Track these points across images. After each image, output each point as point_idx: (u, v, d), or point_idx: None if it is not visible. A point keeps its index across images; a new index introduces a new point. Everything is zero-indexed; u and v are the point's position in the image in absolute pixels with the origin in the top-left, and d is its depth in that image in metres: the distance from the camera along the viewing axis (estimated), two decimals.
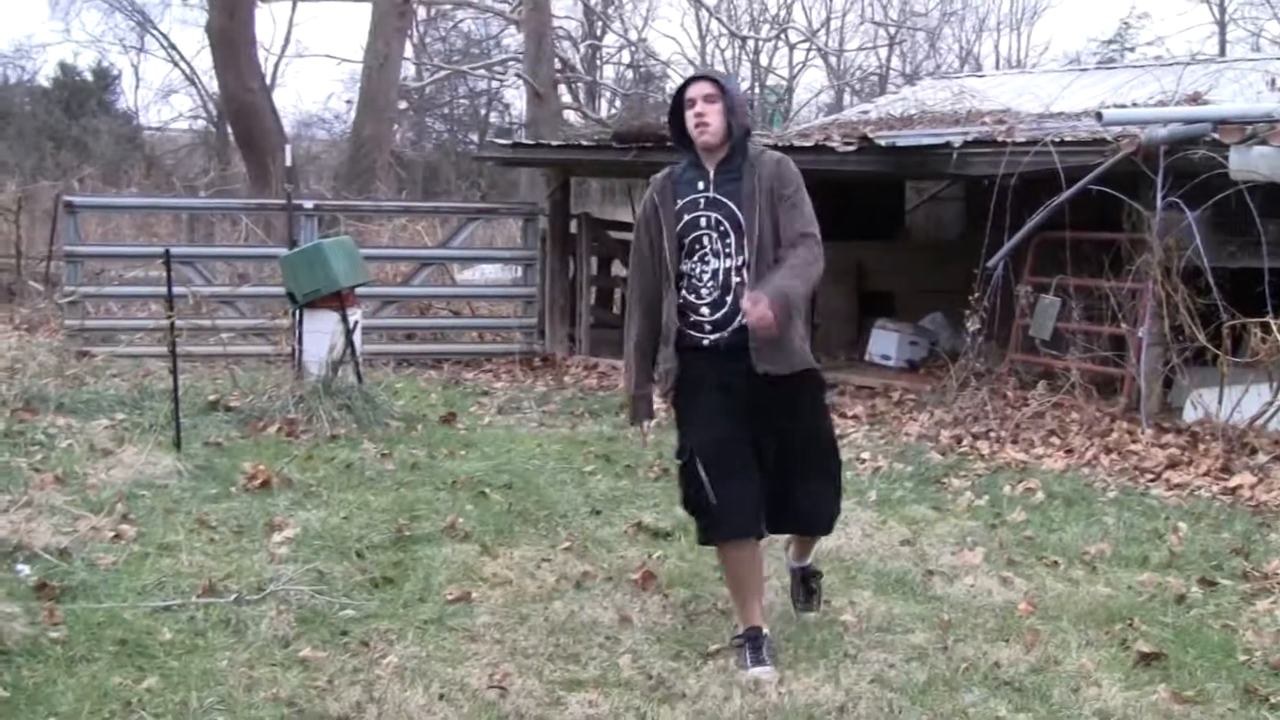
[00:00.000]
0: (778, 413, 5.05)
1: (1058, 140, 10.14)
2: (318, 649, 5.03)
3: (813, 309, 5.37)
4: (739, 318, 4.91)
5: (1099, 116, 10.01)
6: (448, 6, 34.42)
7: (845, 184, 12.73)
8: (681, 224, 5.05)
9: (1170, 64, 15.55)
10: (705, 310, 5.04)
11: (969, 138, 11.05)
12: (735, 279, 4.97)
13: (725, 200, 5.02)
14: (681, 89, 5.14)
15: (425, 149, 39.22)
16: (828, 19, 43.60)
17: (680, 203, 5.08)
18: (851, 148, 11.44)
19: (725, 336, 5.01)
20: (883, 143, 11.69)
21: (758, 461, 5.02)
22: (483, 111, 41.98)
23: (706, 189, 5.05)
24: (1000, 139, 10.58)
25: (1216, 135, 9.43)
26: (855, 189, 13.71)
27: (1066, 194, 9.90)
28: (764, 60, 43.43)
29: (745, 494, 4.97)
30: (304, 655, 4.96)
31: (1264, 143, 9.17)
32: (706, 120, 5.00)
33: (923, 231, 16.93)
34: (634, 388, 5.30)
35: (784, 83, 42.90)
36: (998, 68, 38.71)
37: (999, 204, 9.87)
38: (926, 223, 16.94)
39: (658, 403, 5.34)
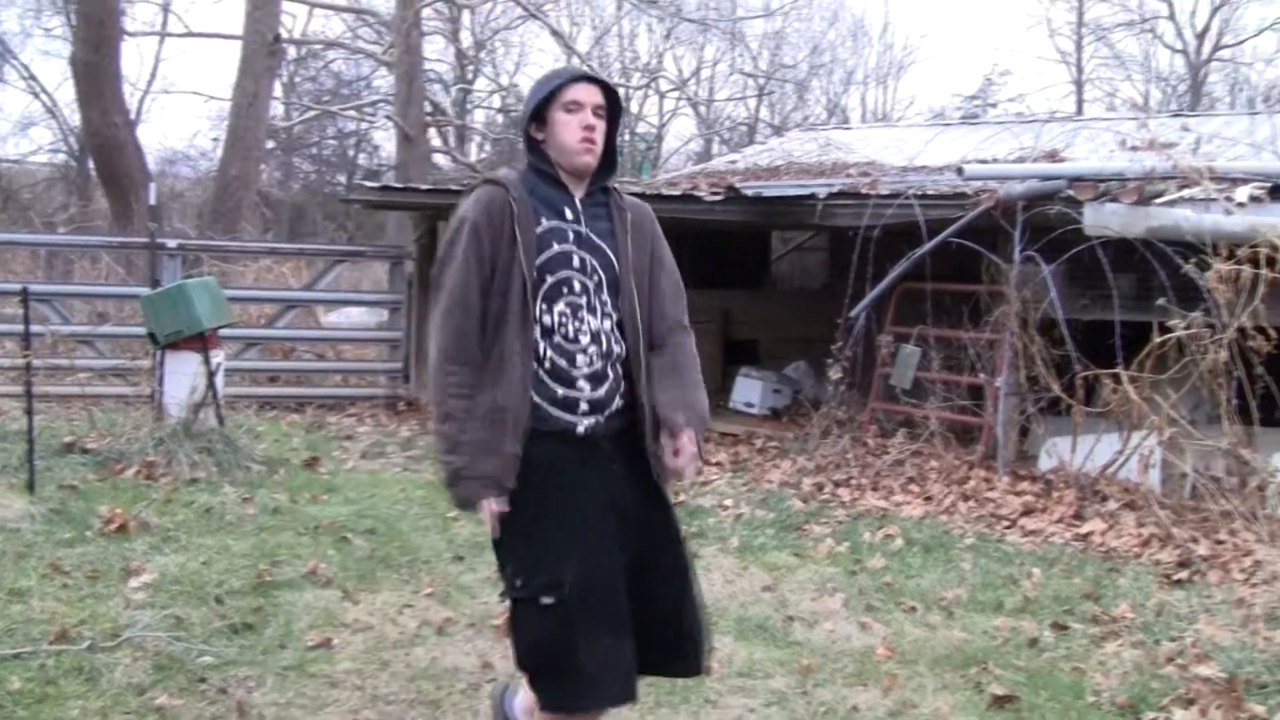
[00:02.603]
0: (656, 526, 3.91)
1: (920, 193, 10.38)
2: (174, 696, 4.94)
3: None
4: (617, 398, 3.80)
5: (960, 171, 10.29)
6: (318, 46, 34.21)
7: (712, 233, 12.89)
8: (548, 255, 3.76)
9: (1030, 121, 16.01)
10: (584, 384, 3.76)
11: (834, 189, 11.26)
12: (615, 347, 3.80)
13: (599, 242, 3.84)
14: (563, 85, 3.87)
15: (292, 189, 38.85)
16: (698, 69, 44.06)
17: (545, 225, 3.78)
18: (719, 197, 11.59)
19: (602, 423, 3.79)
20: (749, 193, 11.87)
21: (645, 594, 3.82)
22: (351, 152, 41.72)
23: (576, 220, 3.84)
24: (864, 191, 10.81)
25: (1071, 192, 9.72)
26: (722, 238, 13.90)
27: (927, 246, 10.13)
28: (634, 108, 43.76)
29: (625, 649, 3.70)
30: (160, 703, 4.86)
31: (1116, 200, 9.47)
32: (594, 139, 3.83)
33: (788, 281, 17.19)
34: (503, 445, 3.67)
35: (653, 130, 43.25)
36: (864, 121, 39.41)
37: (862, 255, 10.08)
38: (792, 272, 17.21)
39: None
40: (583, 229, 3.83)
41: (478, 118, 40.44)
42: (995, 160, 12.56)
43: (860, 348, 10.42)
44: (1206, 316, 8.30)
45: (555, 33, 28.29)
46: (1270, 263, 7.47)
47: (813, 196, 11.17)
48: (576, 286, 3.77)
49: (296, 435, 11.74)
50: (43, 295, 12.95)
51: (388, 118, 29.10)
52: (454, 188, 14.98)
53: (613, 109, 3.93)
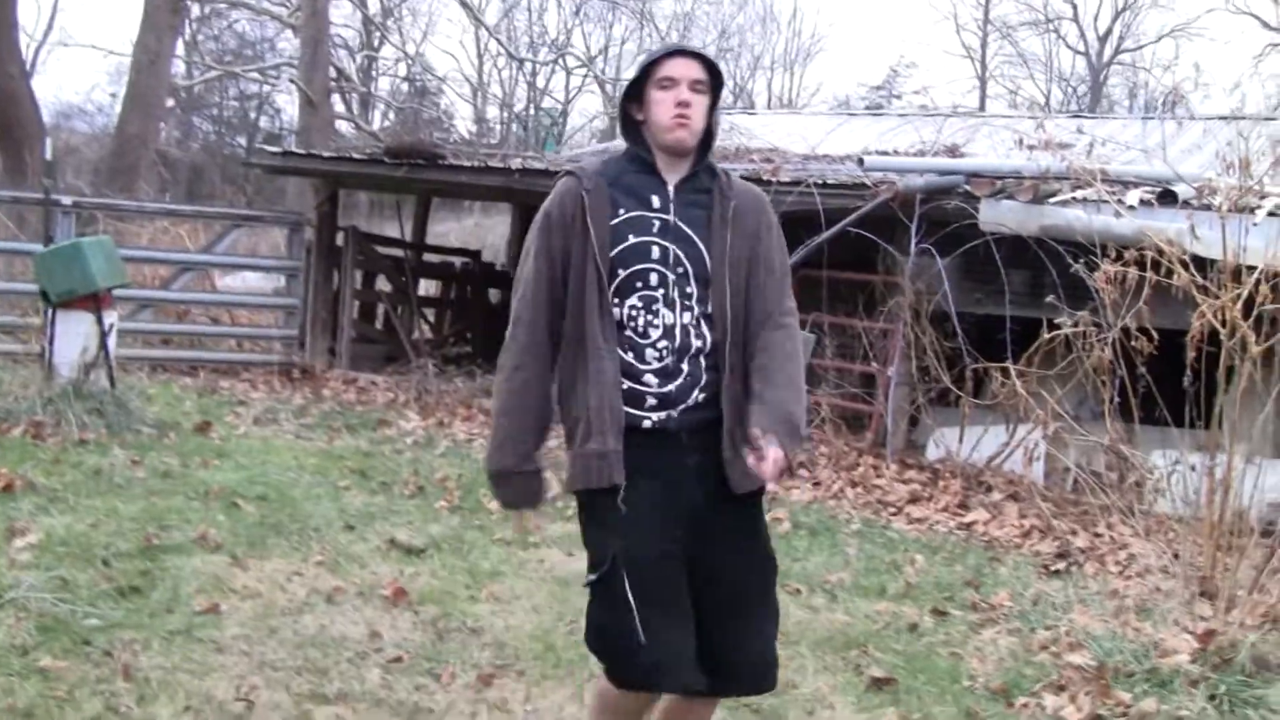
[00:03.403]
0: (733, 533, 3.67)
1: (820, 182, 10.51)
2: (58, 658, 4.90)
3: None
4: (695, 391, 3.57)
5: (860, 162, 10.44)
6: (223, 5, 33.75)
7: None
8: (623, 248, 3.56)
9: (932, 115, 16.23)
10: (651, 379, 3.56)
11: (735, 174, 11.35)
12: (695, 341, 3.57)
13: (689, 232, 3.59)
14: (657, 60, 3.66)
15: (191, 149, 38.31)
16: (606, 46, 44.10)
17: (623, 216, 3.59)
18: None
19: (674, 417, 3.58)
20: None
21: (714, 606, 3.64)
22: (253, 115, 41.24)
23: (664, 208, 3.60)
24: (765, 177, 10.91)
25: (969, 187, 9.91)
26: None
27: (825, 234, 10.26)
28: (540, 83, 43.65)
29: (686, 636, 3.56)
30: (44, 665, 4.82)
31: (1011, 197, 9.67)
32: (689, 114, 3.58)
33: None
34: (516, 460, 3.68)
35: (559, 106, 43.21)
36: (769, 107, 39.67)
37: None
38: None
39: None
40: (670, 217, 3.59)
41: (382, 85, 40.20)
42: (896, 152, 12.76)
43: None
44: (1093, 316, 8.51)
45: (463, 4, 28.13)
46: (1155, 266, 7.68)
47: None
48: (654, 279, 3.56)
49: (189, 399, 11.64)
50: None
51: (291, 81, 28.81)
52: (356, 156, 14.93)
53: (715, 84, 3.68)
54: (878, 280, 10.57)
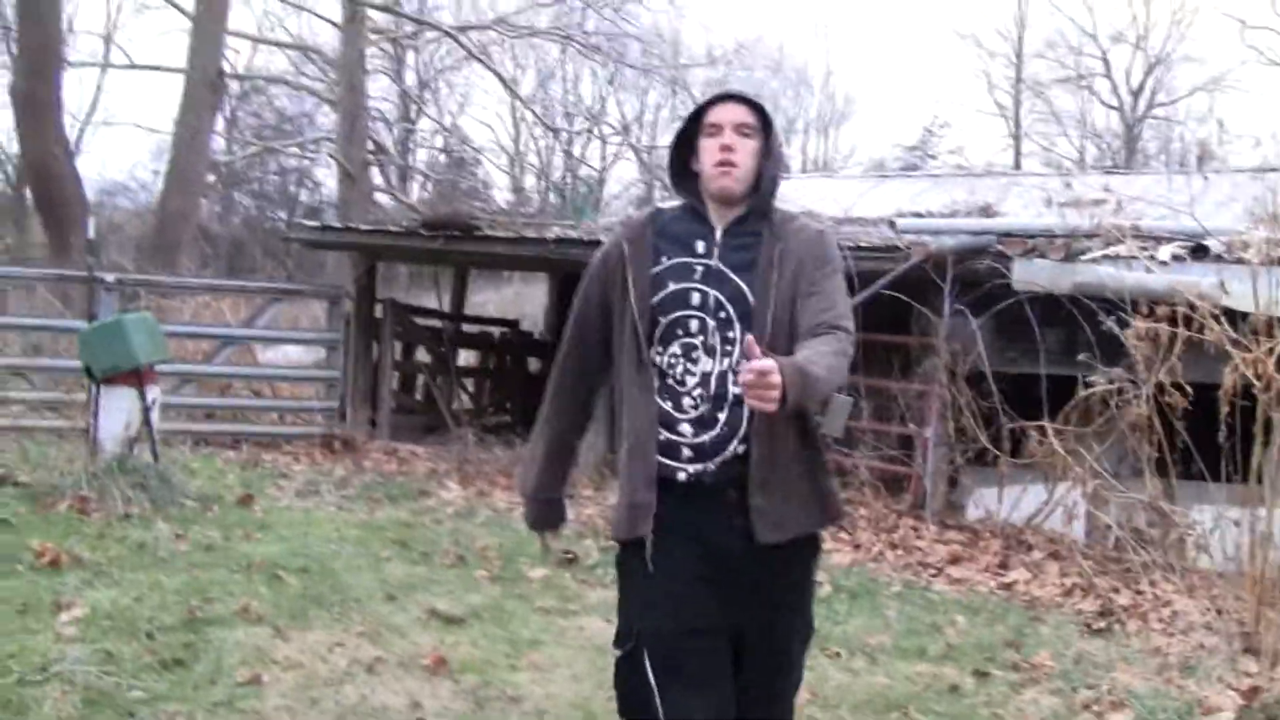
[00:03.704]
0: (765, 592, 3.51)
1: (853, 245, 10.55)
2: None
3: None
4: (734, 443, 3.41)
5: (892, 224, 10.48)
6: (262, 81, 34.23)
7: None
8: (662, 295, 3.50)
9: (964, 176, 16.30)
10: (686, 429, 3.45)
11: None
12: (734, 389, 3.39)
13: (732, 276, 3.47)
14: (704, 108, 3.60)
15: (233, 224, 38.73)
16: (640, 114, 44.40)
17: (665, 264, 3.53)
18: None
19: (711, 470, 3.43)
20: None
21: (733, 666, 3.50)
22: (293, 189, 41.67)
23: (708, 253, 3.51)
24: None
25: (1001, 247, 9.94)
26: None
27: (859, 298, 10.28)
28: (576, 152, 43.98)
29: (711, 710, 3.39)
30: None
31: (1044, 256, 9.70)
32: (734, 159, 3.49)
33: None
34: (535, 490, 3.81)
35: (595, 175, 43.52)
36: (804, 170, 39.84)
37: None
38: None
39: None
40: (714, 262, 3.49)
41: (421, 157, 40.57)
42: (929, 213, 12.80)
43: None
44: (1128, 372, 8.51)
45: (498, 75, 28.46)
46: (1187, 321, 7.70)
47: None
48: (694, 326, 3.46)
49: (231, 472, 11.72)
50: None
51: (330, 155, 29.14)
52: (392, 229, 15.08)
53: (766, 126, 3.57)
54: (913, 342, 10.60)
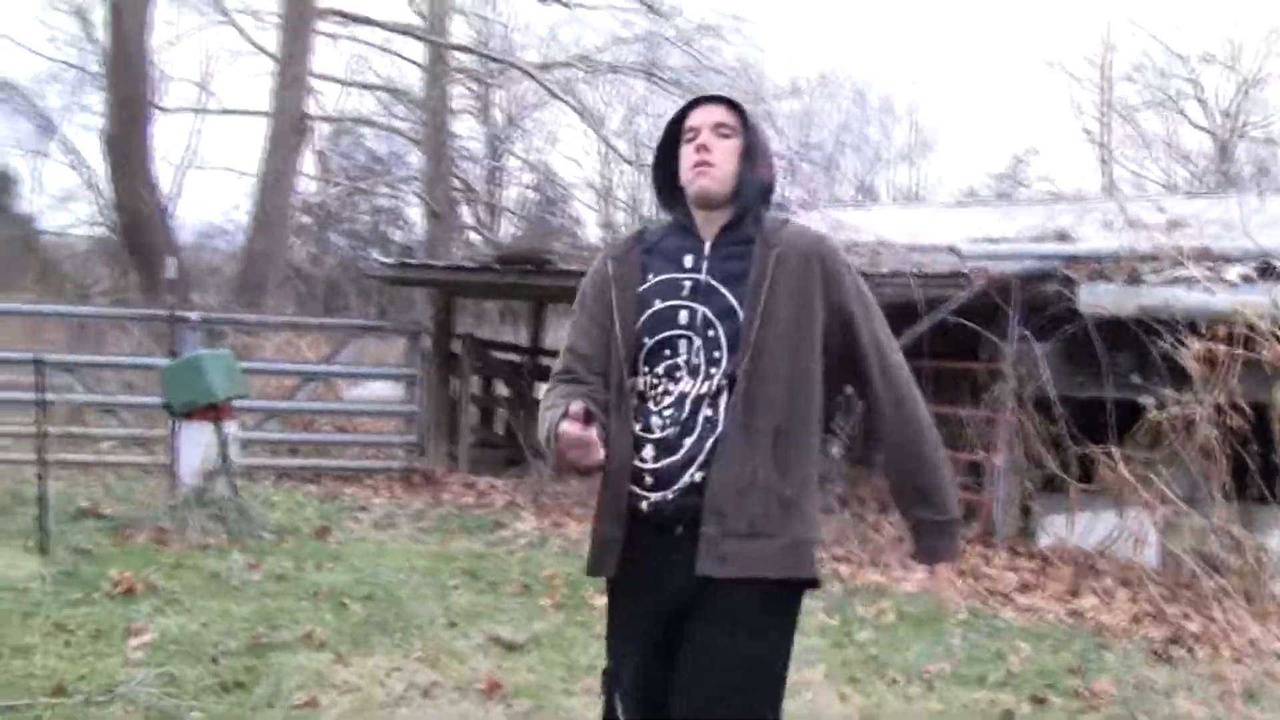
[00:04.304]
0: (707, 644, 3.14)
1: (919, 272, 10.56)
2: None
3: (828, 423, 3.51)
4: (691, 470, 3.14)
5: (957, 251, 10.47)
6: (349, 123, 34.75)
7: None
8: (646, 316, 3.26)
9: (1043, 201, 16.21)
10: (649, 451, 3.19)
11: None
12: (706, 410, 3.16)
13: (721, 289, 3.21)
14: (682, 113, 3.39)
15: (327, 264, 39.29)
16: None
17: (651, 281, 3.29)
18: None
19: (669, 500, 3.16)
20: None
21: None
22: (385, 228, 42.19)
23: (696, 267, 3.25)
24: (866, 270, 10.99)
25: (1067, 271, 9.90)
26: None
27: (925, 325, 10.30)
28: None
29: None
30: None
31: (1109, 279, 9.64)
32: (710, 159, 3.25)
33: None
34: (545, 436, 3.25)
35: None
36: (892, 199, 39.72)
37: None
38: None
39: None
40: (702, 276, 3.23)
41: (509, 195, 40.93)
42: (1004, 239, 12.75)
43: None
44: (1191, 394, 8.44)
45: (579, 112, 28.70)
46: (1247, 342, 7.62)
47: None
48: (680, 346, 3.20)
49: (310, 505, 11.92)
50: (67, 365, 13.23)
51: (416, 194, 29.53)
52: (467, 264, 15.27)
53: (747, 127, 3.33)
54: (980, 368, 10.56)
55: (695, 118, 3.33)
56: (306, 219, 33.74)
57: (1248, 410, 7.92)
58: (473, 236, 32.72)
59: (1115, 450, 9.17)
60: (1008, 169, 44.41)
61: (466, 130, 34.78)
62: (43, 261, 31.18)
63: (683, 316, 3.23)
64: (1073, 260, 10.03)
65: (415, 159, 34.61)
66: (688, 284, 3.25)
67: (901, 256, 12.16)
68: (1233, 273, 9.26)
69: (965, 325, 10.24)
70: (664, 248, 3.35)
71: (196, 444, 10.05)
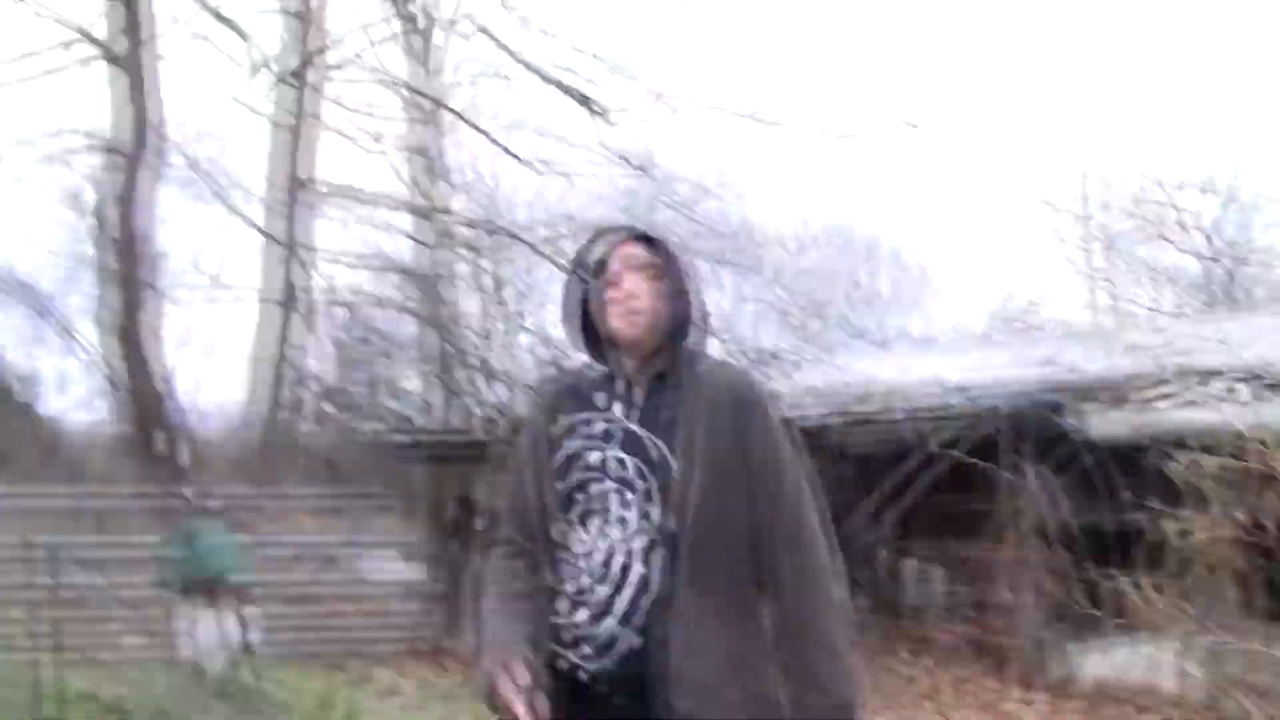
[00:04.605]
0: None
1: (926, 412, 10.58)
2: None
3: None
4: (629, 637, 2.80)
5: (964, 390, 10.49)
6: (351, 298, 34.99)
7: None
8: (563, 461, 2.93)
9: (1034, 331, 16.28)
10: (579, 615, 2.85)
11: (838, 416, 11.45)
12: (639, 568, 2.82)
13: (651, 438, 2.87)
14: (594, 242, 3.06)
15: (329, 437, 39.26)
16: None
17: (563, 423, 2.97)
18: None
19: (609, 667, 2.81)
20: None
21: None
22: (385, 399, 42.25)
23: (625, 412, 2.92)
24: (875, 418, 10.99)
25: (1070, 401, 9.90)
26: None
27: (937, 467, 10.27)
28: None
29: None
30: None
31: (1117, 406, 9.64)
32: (636, 304, 2.91)
33: None
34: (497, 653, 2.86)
35: None
36: (889, 341, 39.82)
37: (872, 476, 10.22)
38: None
39: None
40: (621, 420, 2.92)
41: (508, 358, 41.06)
42: (1004, 374, 12.77)
43: (876, 568, 10.49)
44: (1207, 514, 8.37)
45: (561, 269, 28.88)
46: (1261, 458, 7.57)
47: (823, 426, 11.35)
48: (594, 491, 2.88)
49: (324, 683, 11.74)
50: (74, 550, 13.13)
51: (422, 369, 29.60)
52: (481, 439, 15.27)
53: (667, 256, 2.99)
54: (990, 503, 10.49)
55: (614, 260, 2.96)
56: (310, 393, 33.85)
57: (1269, 527, 7.83)
58: (471, 402, 32.73)
59: (1135, 580, 9.05)
60: (1000, 304, 44.61)
61: (460, 296, 35.01)
62: (48, 446, 31.19)
63: (609, 463, 2.89)
64: (1079, 390, 10.04)
65: (411, 328, 34.81)
66: (602, 427, 2.93)
67: (906, 399, 12.18)
68: (1238, 391, 9.26)
69: (972, 460, 10.19)
70: (585, 390, 3.01)
71: (207, 625, 9.95)
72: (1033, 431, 10.01)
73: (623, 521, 2.84)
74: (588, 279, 3.00)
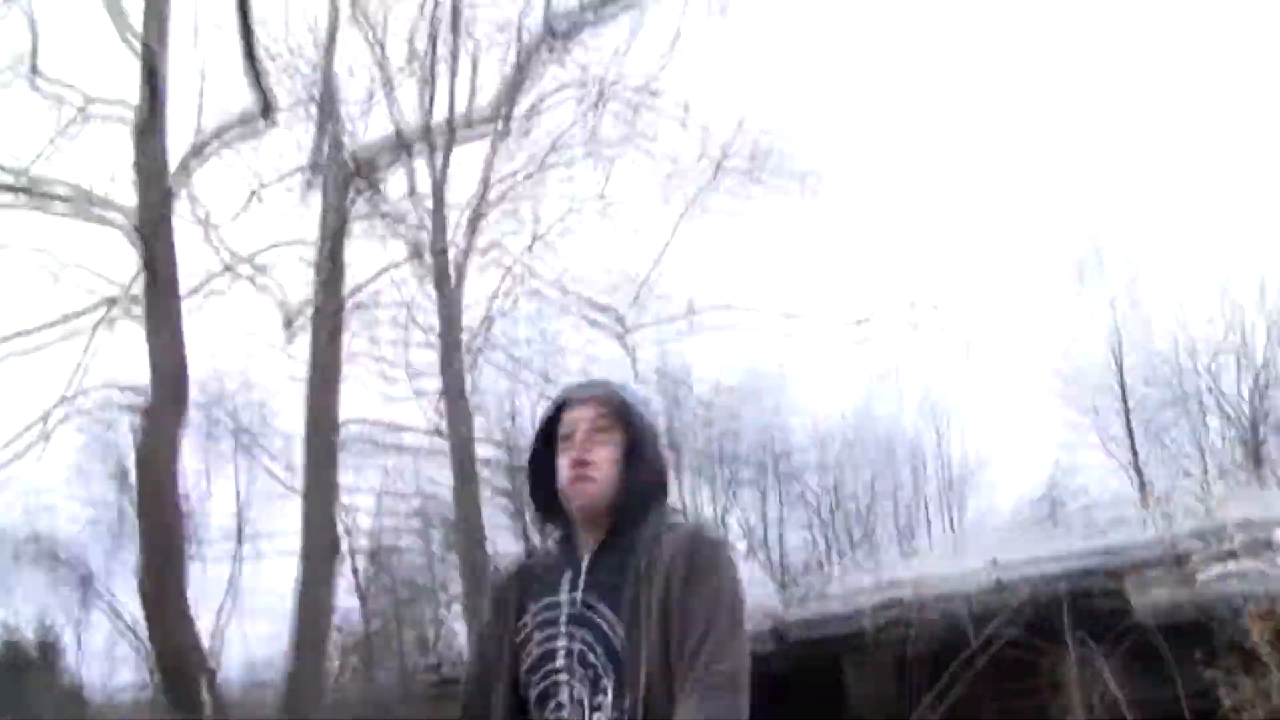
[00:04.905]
0: None
1: (967, 604, 10.41)
2: None
3: None
4: None
5: (1000, 575, 10.33)
6: (389, 542, 34.90)
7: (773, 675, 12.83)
8: (528, 650, 2.83)
9: (1081, 517, 16.09)
10: None
11: (876, 618, 11.31)
12: None
13: (598, 614, 2.75)
14: (556, 410, 2.93)
15: (374, 681, 38.78)
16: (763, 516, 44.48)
17: (530, 611, 2.85)
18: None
19: None
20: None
21: None
22: (430, 641, 41.85)
23: (574, 590, 2.80)
24: (914, 615, 10.81)
25: (1116, 580, 9.74)
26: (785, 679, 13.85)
27: (984, 655, 10.04)
28: None
29: None
30: None
31: (1161, 578, 9.46)
32: (590, 471, 2.79)
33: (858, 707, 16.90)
34: None
35: None
36: (930, 536, 39.38)
37: (916, 669, 10.00)
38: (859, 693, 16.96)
39: None
40: (578, 601, 2.78)
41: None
42: (1048, 557, 12.57)
43: None
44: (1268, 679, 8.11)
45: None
46: None
47: (860, 630, 11.19)
48: (561, 679, 2.75)
49: None
50: None
51: (458, 607, 29.32)
52: None
53: (624, 414, 2.88)
54: (1042, 685, 10.20)
55: (569, 421, 2.86)
56: (347, 640, 33.57)
57: None
58: None
59: None
60: (1044, 490, 44.27)
61: (496, 532, 34.91)
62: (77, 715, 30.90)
63: (561, 652, 2.76)
64: (1121, 566, 9.87)
65: (452, 570, 34.60)
66: (564, 613, 2.79)
67: (945, 592, 11.97)
68: None
69: (1024, 642, 9.96)
70: (544, 572, 2.89)
71: None
72: (1086, 610, 9.78)
73: (581, 704, 2.71)
74: (539, 445, 2.93)
